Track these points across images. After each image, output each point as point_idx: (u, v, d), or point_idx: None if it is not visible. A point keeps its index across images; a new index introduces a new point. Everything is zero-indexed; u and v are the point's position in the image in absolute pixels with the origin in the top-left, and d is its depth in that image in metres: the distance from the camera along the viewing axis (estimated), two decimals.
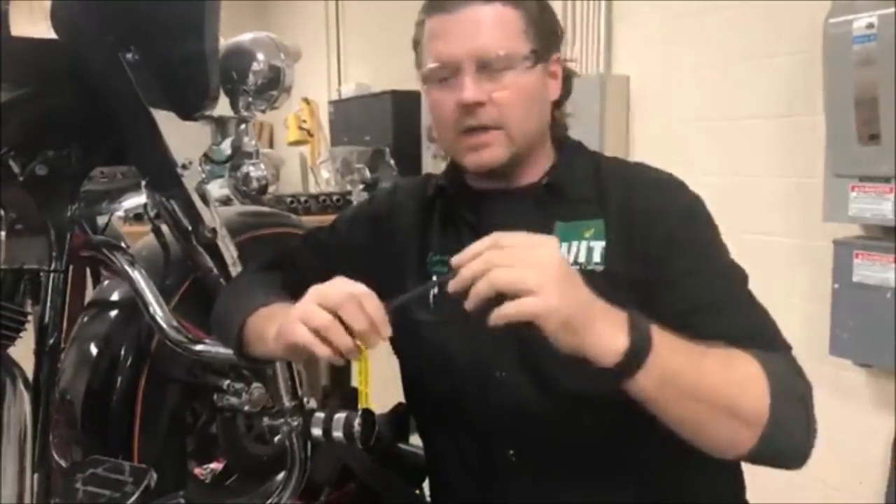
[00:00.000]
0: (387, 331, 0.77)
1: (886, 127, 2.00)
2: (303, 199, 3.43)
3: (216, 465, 1.71)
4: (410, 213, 1.04)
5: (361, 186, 4.10)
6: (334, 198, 3.63)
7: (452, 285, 0.73)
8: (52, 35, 1.05)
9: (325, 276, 0.82)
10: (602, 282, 0.90)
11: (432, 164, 3.78)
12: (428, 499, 1.46)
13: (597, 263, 0.93)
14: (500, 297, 0.71)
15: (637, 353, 0.72)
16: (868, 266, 2.11)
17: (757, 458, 0.80)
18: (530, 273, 0.69)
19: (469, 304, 0.72)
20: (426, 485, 1.61)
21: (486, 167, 0.95)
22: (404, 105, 4.42)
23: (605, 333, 0.72)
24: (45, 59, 1.08)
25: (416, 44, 0.99)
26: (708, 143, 2.65)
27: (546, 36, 0.95)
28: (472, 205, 1.00)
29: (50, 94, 1.11)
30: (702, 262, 0.88)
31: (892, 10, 1.94)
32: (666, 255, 0.90)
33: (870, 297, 2.09)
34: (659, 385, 0.73)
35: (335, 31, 5.37)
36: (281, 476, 1.60)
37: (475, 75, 0.90)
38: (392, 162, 4.20)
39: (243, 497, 1.60)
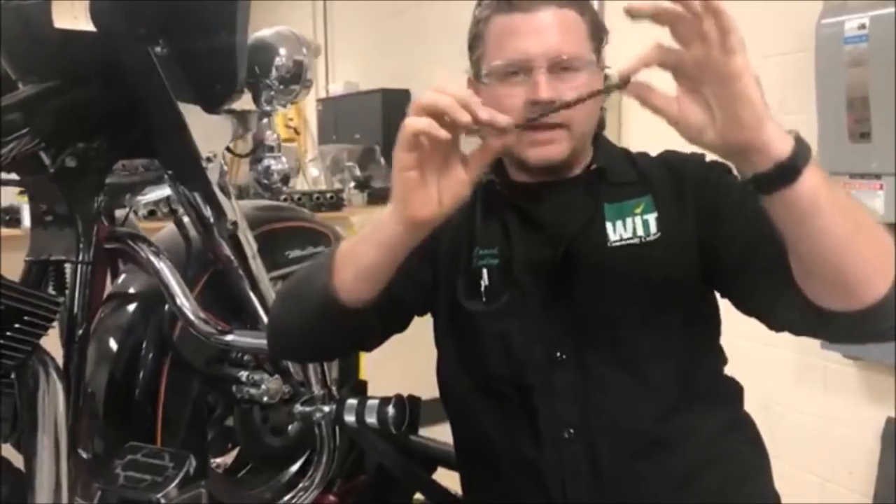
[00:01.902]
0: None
1: (877, 125, 2.06)
2: (297, 196, 3.43)
3: (222, 460, 1.72)
4: (455, 211, 1.06)
5: (353, 184, 4.11)
6: (328, 195, 3.63)
7: None
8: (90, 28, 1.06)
9: None
10: (664, 249, 0.97)
11: None
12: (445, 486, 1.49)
13: (655, 234, 0.99)
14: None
15: (805, 148, 0.71)
16: None
17: (890, 303, 0.76)
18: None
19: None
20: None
21: (550, 162, 0.98)
22: (394, 103, 4.44)
23: (775, 126, 0.70)
24: (83, 50, 1.09)
25: (476, 38, 1.01)
26: None
27: (600, 42, 1.01)
28: (521, 195, 1.04)
29: (85, 86, 1.12)
30: (748, 195, 0.89)
31: (884, 11, 2.00)
32: (720, 196, 0.95)
33: None
34: (820, 186, 0.71)
35: (322, 30, 5.38)
36: (294, 468, 1.63)
37: (548, 74, 0.93)
38: (383, 160, 4.22)
39: (256, 489, 1.61)
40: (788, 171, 0.70)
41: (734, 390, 1.07)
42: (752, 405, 1.08)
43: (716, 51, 0.67)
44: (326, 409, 1.20)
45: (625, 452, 0.97)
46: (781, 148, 0.70)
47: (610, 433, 0.97)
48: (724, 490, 1.00)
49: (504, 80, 0.96)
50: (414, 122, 0.78)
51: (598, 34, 1.00)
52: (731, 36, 0.66)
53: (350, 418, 1.06)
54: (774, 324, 0.91)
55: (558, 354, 0.98)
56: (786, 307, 0.85)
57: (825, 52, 2.16)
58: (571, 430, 0.98)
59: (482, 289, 1.02)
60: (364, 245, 0.87)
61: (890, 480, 2.20)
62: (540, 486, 0.99)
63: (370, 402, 1.06)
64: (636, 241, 0.98)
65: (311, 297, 0.93)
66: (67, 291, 1.20)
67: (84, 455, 1.31)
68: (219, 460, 1.70)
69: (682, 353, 0.99)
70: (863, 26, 2.05)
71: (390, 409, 1.03)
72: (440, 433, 1.47)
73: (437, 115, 0.77)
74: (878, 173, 2.11)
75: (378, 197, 3.97)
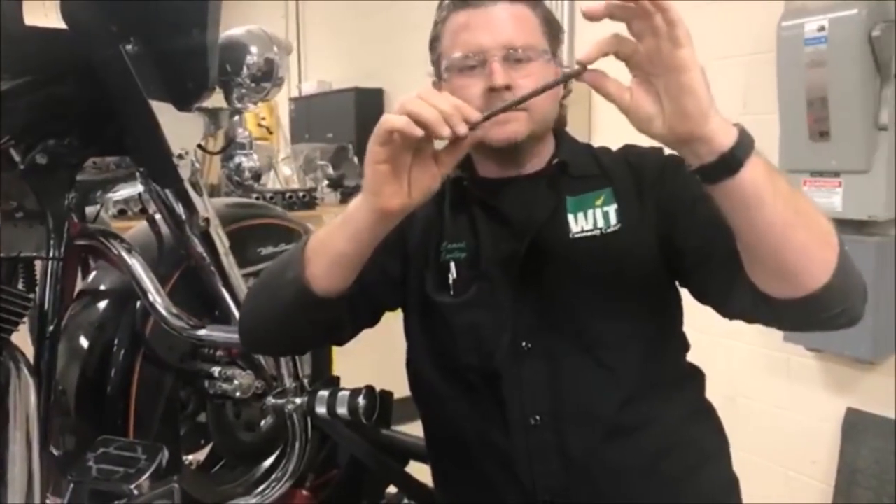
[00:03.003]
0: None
1: (836, 125, 2.13)
2: (269, 195, 3.43)
3: (194, 457, 1.72)
4: (424, 205, 1.08)
5: (326, 183, 4.11)
6: (300, 194, 3.63)
7: None
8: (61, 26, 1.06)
9: None
10: (624, 240, 1.00)
11: None
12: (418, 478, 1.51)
13: (615, 224, 1.02)
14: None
15: (748, 140, 0.74)
16: None
17: (833, 291, 0.80)
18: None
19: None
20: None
21: (510, 140, 1.00)
22: (367, 102, 4.46)
23: (720, 118, 0.74)
24: (55, 48, 1.10)
25: (436, 39, 1.05)
26: None
27: (554, 39, 1.05)
28: (487, 190, 1.07)
29: (56, 83, 1.12)
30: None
31: (842, 13, 2.06)
32: (677, 190, 0.98)
33: None
34: (762, 177, 0.75)
35: (295, 29, 5.37)
36: (267, 463, 1.64)
37: (502, 63, 0.98)
38: (356, 159, 4.23)
39: (229, 484, 1.62)
40: (731, 162, 0.74)
41: (696, 377, 1.10)
42: (718, 397, 1.12)
43: (665, 43, 0.71)
44: (298, 400, 1.22)
45: (591, 439, 0.99)
46: (725, 140, 0.74)
47: (576, 420, 1.00)
48: (687, 474, 1.03)
49: (462, 73, 1.00)
50: (391, 120, 0.81)
51: (551, 30, 1.03)
52: (678, 28, 0.70)
53: (321, 409, 1.08)
54: (728, 312, 0.95)
55: (524, 344, 1.01)
56: (738, 296, 0.89)
57: (786, 54, 2.21)
58: (538, 417, 1.00)
59: (450, 282, 1.05)
60: (335, 235, 0.90)
61: (850, 469, 2.27)
62: (509, 472, 1.02)
63: (341, 393, 1.08)
64: (597, 232, 1.02)
65: (283, 290, 0.95)
66: (38, 288, 1.20)
67: (55, 452, 1.31)
68: (191, 457, 1.71)
69: (645, 341, 1.02)
70: (822, 28, 2.11)
71: (361, 400, 1.05)
72: (411, 431, 1.49)
73: (418, 122, 0.80)
74: (836, 171, 2.18)
75: (351, 195, 3.97)
